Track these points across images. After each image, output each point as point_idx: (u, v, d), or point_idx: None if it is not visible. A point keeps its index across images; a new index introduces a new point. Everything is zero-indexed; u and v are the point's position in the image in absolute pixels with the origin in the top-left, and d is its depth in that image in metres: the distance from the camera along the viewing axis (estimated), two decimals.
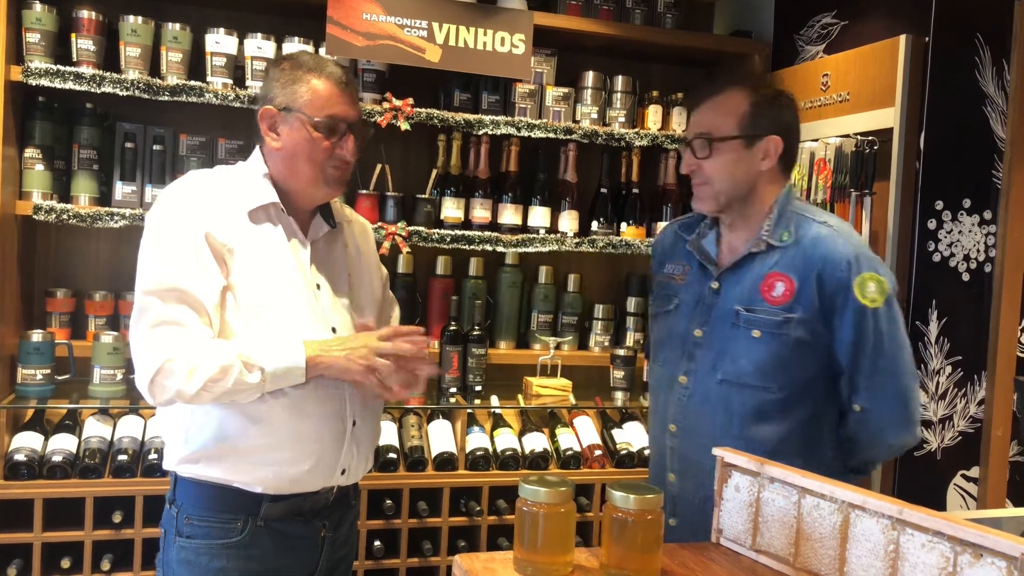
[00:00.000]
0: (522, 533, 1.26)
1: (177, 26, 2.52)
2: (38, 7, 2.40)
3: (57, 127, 2.52)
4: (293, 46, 2.61)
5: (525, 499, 1.26)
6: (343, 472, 1.70)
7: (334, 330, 1.69)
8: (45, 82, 2.37)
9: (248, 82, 2.59)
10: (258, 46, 2.58)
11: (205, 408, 1.59)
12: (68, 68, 2.40)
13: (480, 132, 2.77)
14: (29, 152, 2.45)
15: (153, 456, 2.33)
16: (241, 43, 2.59)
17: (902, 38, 2.39)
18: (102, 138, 2.56)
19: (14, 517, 2.27)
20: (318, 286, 1.71)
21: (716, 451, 1.45)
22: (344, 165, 1.69)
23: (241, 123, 2.63)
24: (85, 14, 2.45)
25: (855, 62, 2.59)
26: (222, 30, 2.55)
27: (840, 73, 2.64)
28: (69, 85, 2.39)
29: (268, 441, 1.60)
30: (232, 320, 1.59)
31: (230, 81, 2.57)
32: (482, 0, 2.75)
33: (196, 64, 2.57)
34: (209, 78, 2.55)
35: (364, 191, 2.74)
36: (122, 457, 2.31)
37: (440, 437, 2.67)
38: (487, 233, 2.79)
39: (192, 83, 2.50)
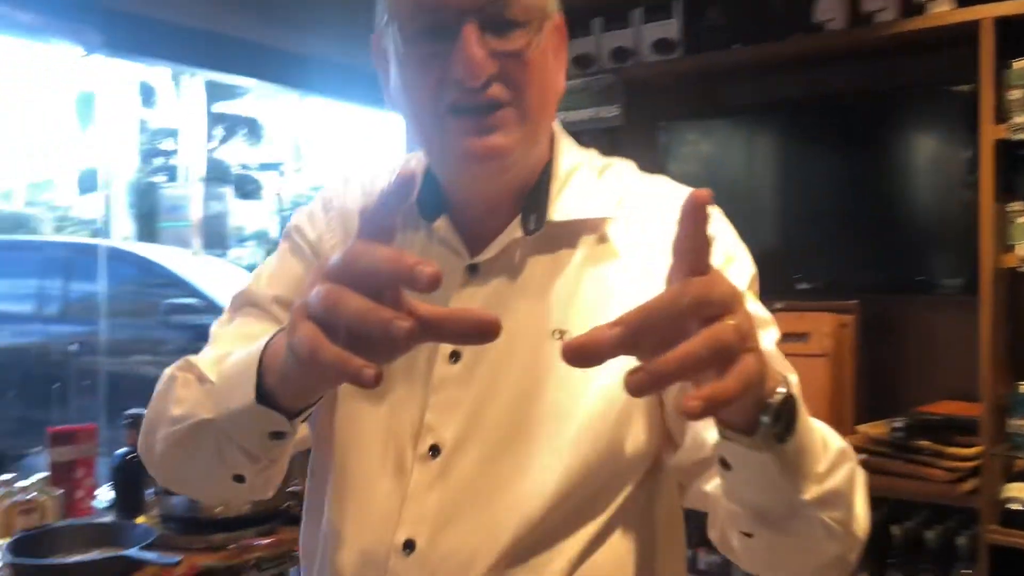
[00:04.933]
0: None
1: None
2: (1015, 65, 2.45)
3: None
4: None
5: None
6: None
7: (434, 450, 0.88)
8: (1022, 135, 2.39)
9: None
10: None
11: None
12: None
13: None
14: (1013, 206, 2.51)
15: None
16: None
17: None
18: None
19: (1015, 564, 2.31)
20: (452, 356, 0.89)
21: None
22: (469, 96, 0.81)
23: None
24: None
25: None
26: None
27: None
28: None
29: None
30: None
31: None
32: None
33: None
34: None
35: None
36: None
37: None
38: None
39: None
